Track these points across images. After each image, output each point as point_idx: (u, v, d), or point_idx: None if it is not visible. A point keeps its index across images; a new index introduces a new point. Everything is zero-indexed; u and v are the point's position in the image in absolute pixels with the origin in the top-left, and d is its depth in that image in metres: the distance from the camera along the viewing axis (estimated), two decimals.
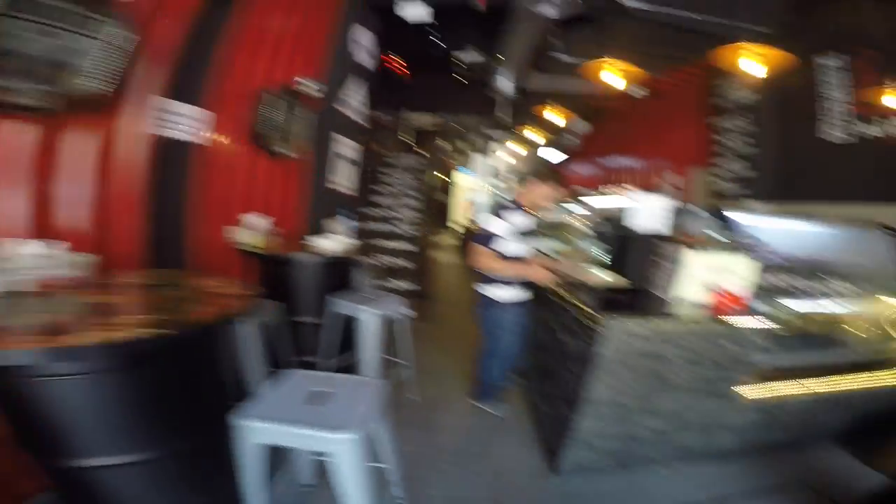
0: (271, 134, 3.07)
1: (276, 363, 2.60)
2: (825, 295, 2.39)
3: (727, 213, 2.21)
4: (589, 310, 1.92)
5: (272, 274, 2.71)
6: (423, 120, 10.06)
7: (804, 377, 2.20)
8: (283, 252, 2.73)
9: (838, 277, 2.55)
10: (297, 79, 3.25)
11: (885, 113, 3.08)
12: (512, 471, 2.22)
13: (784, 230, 2.66)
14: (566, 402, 2.07)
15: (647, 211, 2.58)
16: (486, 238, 2.35)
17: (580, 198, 3.71)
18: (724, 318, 1.88)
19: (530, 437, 2.51)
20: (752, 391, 2.06)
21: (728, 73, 4.21)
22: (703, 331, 1.86)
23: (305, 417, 1.33)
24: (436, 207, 13.13)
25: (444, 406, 2.86)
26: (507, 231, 2.34)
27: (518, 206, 2.46)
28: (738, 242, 1.98)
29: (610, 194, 3.17)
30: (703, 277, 1.92)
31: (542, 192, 2.43)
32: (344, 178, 4.09)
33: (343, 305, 2.47)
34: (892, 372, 2.39)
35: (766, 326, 1.91)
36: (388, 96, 8.79)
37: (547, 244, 3.92)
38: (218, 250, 2.94)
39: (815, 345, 2.33)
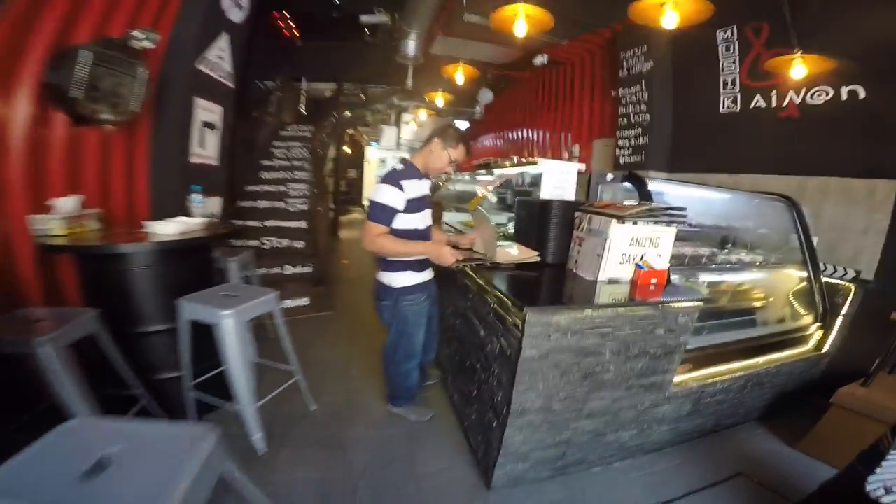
0: (92, 98, 2.29)
1: (124, 386, 2.01)
2: (733, 266, 2.37)
3: (646, 180, 2.00)
4: (507, 301, 1.61)
5: (93, 272, 2.04)
6: (326, 90, 9.16)
7: (726, 358, 2.14)
8: (106, 242, 2.04)
9: (744, 247, 2.56)
10: (130, 31, 2.47)
11: (772, 85, 3.15)
12: (442, 490, 1.89)
13: (687, 197, 2.59)
14: (493, 412, 1.78)
15: (557, 179, 2.36)
16: (376, 212, 1.91)
17: (487, 167, 3.43)
18: (655, 300, 1.68)
19: (457, 444, 2.21)
20: (682, 379, 1.94)
21: (634, 40, 4.17)
22: (635, 317, 1.63)
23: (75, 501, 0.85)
24: (348, 185, 12.36)
25: (354, 415, 2.45)
26: (401, 201, 1.92)
27: (413, 169, 2.03)
28: (663, 212, 1.76)
29: (517, 164, 2.90)
30: (626, 252, 1.70)
31: (443, 154, 2.01)
32: (212, 150, 3.35)
33: (193, 309, 1.91)
34: (801, 347, 2.44)
35: (694, 304, 1.74)
36: (283, 63, 7.83)
37: (453, 216, 3.63)
38: (22, 247, 2.16)
39: (732, 322, 2.30)
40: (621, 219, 1.68)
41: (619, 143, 4.35)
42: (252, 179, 5.13)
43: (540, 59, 5.96)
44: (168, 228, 2.10)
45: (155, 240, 2.01)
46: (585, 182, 2.38)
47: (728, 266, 2.40)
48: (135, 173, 2.79)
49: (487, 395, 1.84)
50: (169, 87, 2.82)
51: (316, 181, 5.21)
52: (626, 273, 1.80)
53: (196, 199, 2.65)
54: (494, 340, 1.73)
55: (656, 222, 1.72)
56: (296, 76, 8.53)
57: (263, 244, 4.43)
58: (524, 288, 1.78)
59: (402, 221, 1.96)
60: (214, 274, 2.40)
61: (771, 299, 2.52)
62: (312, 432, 2.26)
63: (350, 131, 11.39)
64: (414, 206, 1.97)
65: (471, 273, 2.02)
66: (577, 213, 2.00)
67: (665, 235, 1.75)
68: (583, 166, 2.41)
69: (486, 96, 7.12)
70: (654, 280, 1.71)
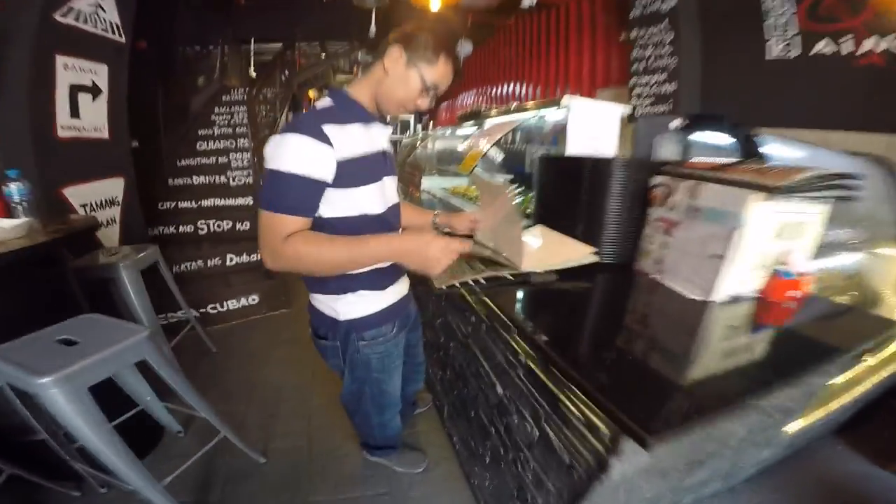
0: None
1: None
2: (835, 247, 1.69)
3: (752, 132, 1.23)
4: (577, 395, 0.81)
5: None
6: (276, 49, 8.03)
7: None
8: None
9: (840, 224, 1.89)
10: None
11: (844, 28, 2.43)
12: None
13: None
14: None
15: (592, 126, 1.59)
16: (281, 194, 0.93)
17: (476, 117, 2.62)
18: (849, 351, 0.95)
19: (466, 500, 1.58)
20: (800, 419, 1.26)
21: None
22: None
23: None
24: None
25: (319, 468, 1.77)
26: (327, 165, 0.96)
27: (352, 105, 1.07)
28: (833, 180, 0.96)
29: (523, 109, 2.11)
30: (769, 249, 0.95)
31: (409, 75, 1.03)
32: (95, 119, 2.50)
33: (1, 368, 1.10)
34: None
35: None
36: (223, 24, 6.74)
37: (434, 182, 2.71)
38: None
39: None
40: (770, 191, 0.89)
41: (636, 91, 3.58)
42: (187, 153, 4.23)
43: (528, 1, 5.10)
44: None
45: None
46: (629, 134, 1.63)
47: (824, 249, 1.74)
48: None
49: (515, 483, 1.11)
50: (11, 45, 2.03)
51: (257, 146, 4.33)
52: (752, 284, 1.04)
53: (16, 189, 1.69)
54: (527, 418, 0.98)
55: (820, 198, 0.95)
56: (242, 38, 7.45)
57: (200, 229, 3.57)
58: (575, 328, 0.97)
59: (338, 203, 1.02)
60: (75, 293, 1.57)
61: (875, 290, 1.89)
62: (263, 498, 1.62)
63: (313, 94, 10.25)
64: (357, 171, 1.02)
65: (491, 304, 1.13)
66: (658, 179, 1.19)
67: (815, 220, 1.01)
68: (628, 108, 1.63)
69: (465, 48, 6.18)
70: (797, 294, 0.98)
